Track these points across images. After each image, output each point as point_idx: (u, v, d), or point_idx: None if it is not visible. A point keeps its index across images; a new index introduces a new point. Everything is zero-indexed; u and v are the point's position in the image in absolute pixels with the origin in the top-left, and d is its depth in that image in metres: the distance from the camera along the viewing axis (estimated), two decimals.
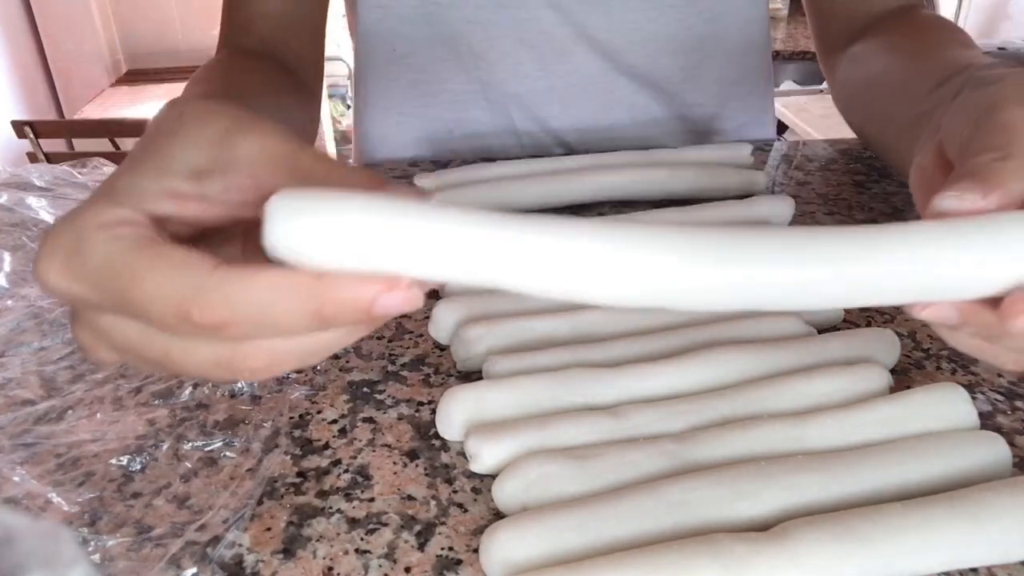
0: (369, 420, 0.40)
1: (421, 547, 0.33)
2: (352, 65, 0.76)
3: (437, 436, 0.39)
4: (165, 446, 0.38)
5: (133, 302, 0.26)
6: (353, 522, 0.35)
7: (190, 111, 0.29)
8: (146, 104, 2.65)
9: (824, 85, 0.85)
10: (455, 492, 0.36)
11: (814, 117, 1.88)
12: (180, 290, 0.25)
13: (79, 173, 0.64)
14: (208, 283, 0.25)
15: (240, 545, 0.34)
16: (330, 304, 0.25)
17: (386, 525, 0.34)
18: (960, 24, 1.96)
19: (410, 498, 0.36)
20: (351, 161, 0.78)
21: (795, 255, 0.24)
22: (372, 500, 0.36)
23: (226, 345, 0.26)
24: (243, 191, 0.28)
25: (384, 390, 0.43)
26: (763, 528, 0.32)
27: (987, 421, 0.40)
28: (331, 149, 2.51)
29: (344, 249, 0.24)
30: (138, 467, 0.37)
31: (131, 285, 0.25)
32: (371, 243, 0.24)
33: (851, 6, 0.66)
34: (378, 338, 0.47)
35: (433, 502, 0.36)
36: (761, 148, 0.72)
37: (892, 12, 0.63)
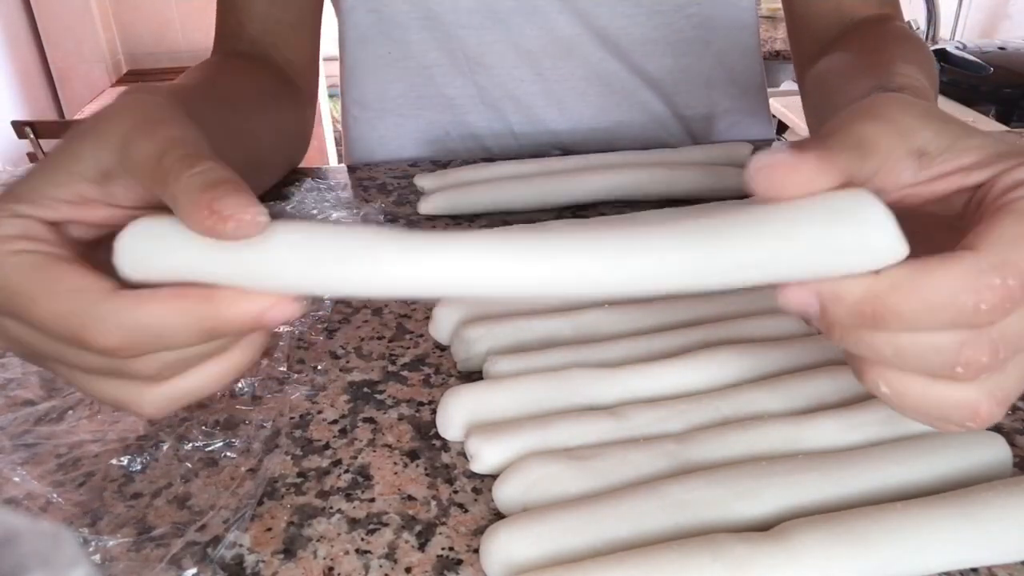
0: (369, 420, 0.40)
1: (421, 547, 0.33)
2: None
3: (437, 436, 0.39)
4: (165, 446, 0.38)
5: (31, 320, 0.27)
6: (354, 522, 0.35)
7: (104, 111, 0.30)
8: None
9: None
10: (455, 492, 0.36)
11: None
12: (77, 316, 0.26)
13: None
14: (103, 309, 0.26)
15: (241, 545, 0.34)
16: (220, 320, 0.26)
17: (387, 525, 0.34)
18: (960, 24, 1.96)
19: (410, 498, 0.36)
20: (342, 162, 0.79)
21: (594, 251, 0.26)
22: (372, 500, 0.36)
23: (118, 360, 0.27)
24: (140, 194, 0.29)
25: (384, 390, 0.43)
26: (763, 528, 0.32)
27: None
28: (331, 148, 2.51)
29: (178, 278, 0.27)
30: (138, 467, 0.37)
31: (30, 305, 0.26)
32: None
33: (824, 15, 0.64)
34: (378, 338, 0.47)
35: (433, 502, 0.36)
36: (761, 148, 0.72)
37: (865, 21, 0.61)
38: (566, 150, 0.73)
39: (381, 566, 0.33)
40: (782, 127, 2.19)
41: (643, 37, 0.69)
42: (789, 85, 2.15)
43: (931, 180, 0.27)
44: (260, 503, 0.36)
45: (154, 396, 0.29)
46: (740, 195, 0.60)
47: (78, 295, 0.26)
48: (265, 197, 0.63)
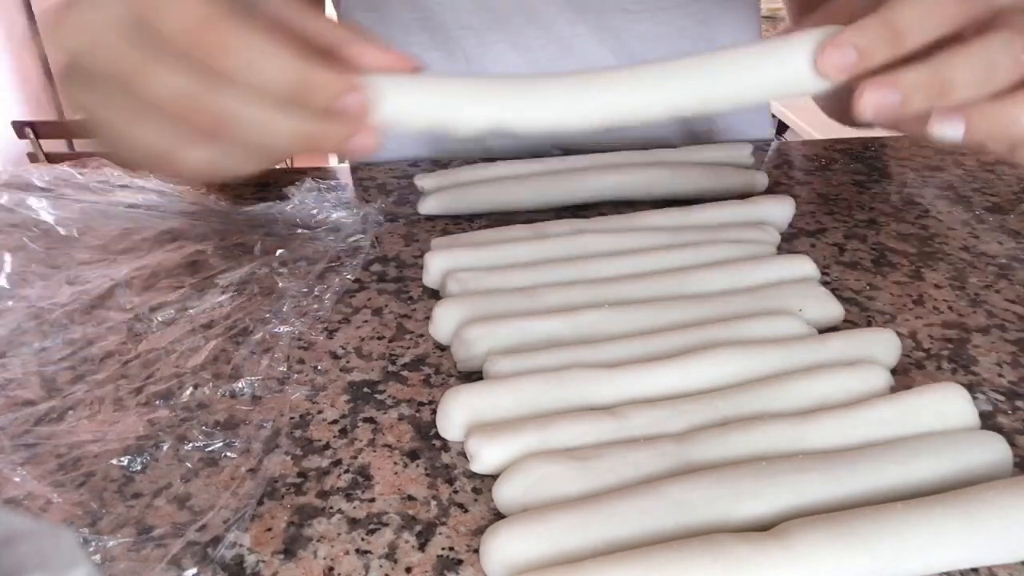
0: (370, 420, 0.40)
1: (422, 547, 0.33)
2: None
3: (438, 436, 0.39)
4: (166, 446, 0.38)
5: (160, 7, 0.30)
6: (354, 522, 0.35)
7: None
8: None
9: None
10: (456, 492, 0.36)
11: (814, 117, 1.88)
12: (204, 8, 0.29)
13: (79, 173, 0.64)
14: (226, 12, 0.29)
15: (241, 545, 0.34)
16: (310, 78, 0.30)
17: (387, 525, 0.34)
18: None
19: (411, 498, 0.36)
20: (346, 161, 0.79)
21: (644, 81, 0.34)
22: (373, 500, 0.36)
23: (206, 78, 0.29)
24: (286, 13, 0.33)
25: (384, 390, 0.43)
26: (764, 528, 0.32)
27: (988, 421, 0.40)
28: None
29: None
30: (139, 467, 0.37)
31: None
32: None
33: None
34: (378, 338, 0.47)
35: (434, 502, 0.36)
36: (761, 148, 0.72)
37: None
38: (566, 150, 0.73)
39: (381, 566, 0.32)
40: (782, 127, 2.18)
41: (645, 34, 0.69)
42: None
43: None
44: (260, 503, 0.36)
45: (201, 152, 0.31)
46: (739, 195, 0.60)
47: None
48: (266, 197, 0.63)
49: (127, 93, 0.31)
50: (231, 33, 0.29)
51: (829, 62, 0.31)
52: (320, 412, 0.41)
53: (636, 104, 0.33)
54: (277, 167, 0.69)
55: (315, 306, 0.49)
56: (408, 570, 0.32)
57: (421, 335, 0.47)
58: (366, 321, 0.49)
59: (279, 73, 0.29)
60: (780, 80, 0.33)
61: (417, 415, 0.41)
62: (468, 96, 0.33)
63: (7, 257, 0.53)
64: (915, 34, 0.31)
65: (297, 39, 0.31)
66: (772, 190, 0.64)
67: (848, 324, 0.47)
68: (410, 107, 0.33)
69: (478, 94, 0.33)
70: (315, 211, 0.60)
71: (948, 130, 0.31)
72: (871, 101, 0.30)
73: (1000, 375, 0.43)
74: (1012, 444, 0.36)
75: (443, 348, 0.46)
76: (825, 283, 0.51)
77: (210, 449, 0.38)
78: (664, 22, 0.69)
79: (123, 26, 0.30)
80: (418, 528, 0.34)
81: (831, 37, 0.31)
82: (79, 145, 2.31)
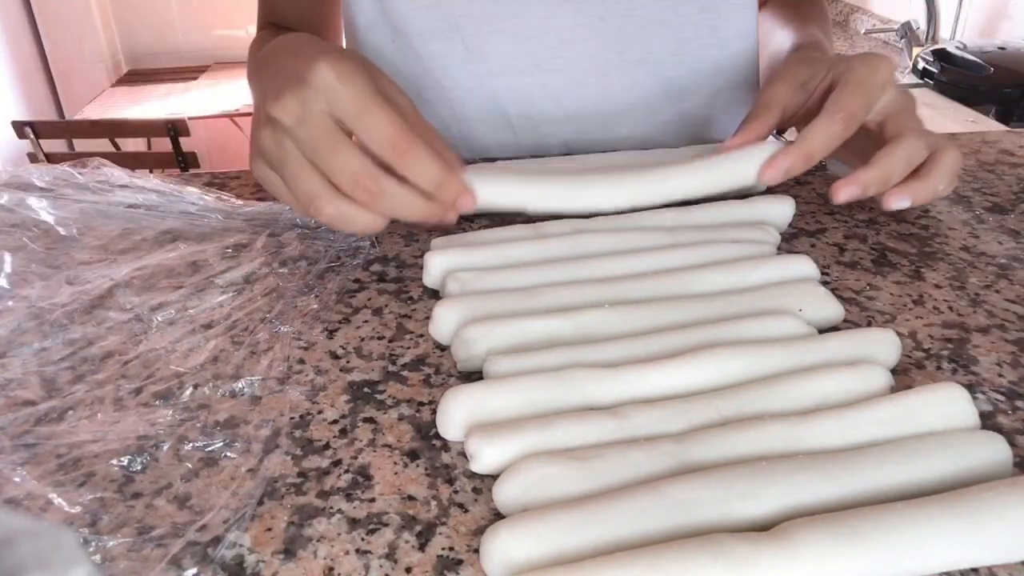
0: (370, 420, 0.40)
1: (422, 547, 0.33)
2: None
3: (438, 436, 0.39)
4: (166, 447, 0.38)
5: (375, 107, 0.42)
6: (354, 522, 0.35)
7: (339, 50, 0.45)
8: (146, 104, 2.65)
9: None
10: (456, 492, 0.36)
11: None
12: (395, 120, 0.42)
13: (79, 173, 0.64)
14: (405, 126, 0.42)
15: (241, 545, 0.34)
16: (448, 181, 0.43)
17: (387, 525, 0.34)
18: (960, 24, 1.96)
19: (411, 498, 0.36)
20: None
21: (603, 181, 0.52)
22: (373, 500, 0.36)
23: (374, 165, 0.42)
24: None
25: (385, 390, 0.43)
26: (764, 528, 0.32)
27: (988, 421, 0.40)
28: None
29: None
30: (139, 467, 0.37)
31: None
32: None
33: None
34: (378, 338, 0.47)
35: (434, 502, 0.36)
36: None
37: None
38: (566, 146, 0.73)
39: (381, 566, 0.33)
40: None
41: (648, 19, 0.69)
42: None
43: (813, 94, 0.55)
44: (260, 503, 0.36)
45: (339, 206, 0.42)
46: (739, 195, 0.60)
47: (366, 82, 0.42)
48: (265, 197, 0.63)
49: (309, 157, 0.42)
50: (410, 143, 0.41)
51: (768, 175, 0.50)
52: (320, 412, 0.41)
53: (645, 193, 0.50)
54: None
55: (315, 306, 0.49)
56: (408, 570, 0.32)
57: (421, 335, 0.47)
58: (366, 321, 0.49)
59: (430, 175, 0.42)
60: (737, 179, 0.51)
61: (417, 415, 0.41)
62: (534, 187, 0.48)
63: (7, 257, 0.53)
64: (821, 154, 0.49)
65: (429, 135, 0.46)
66: (772, 190, 0.64)
67: (848, 324, 0.47)
68: (494, 198, 0.47)
69: (540, 186, 0.48)
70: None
71: (901, 203, 0.50)
72: (845, 194, 0.49)
73: (1000, 375, 0.43)
74: (1012, 444, 0.36)
75: (443, 348, 0.46)
76: (825, 283, 0.51)
77: (210, 449, 0.38)
78: (668, 8, 0.69)
79: (329, 117, 0.41)
80: (418, 528, 0.34)
81: (770, 158, 0.50)
82: (79, 145, 2.31)
